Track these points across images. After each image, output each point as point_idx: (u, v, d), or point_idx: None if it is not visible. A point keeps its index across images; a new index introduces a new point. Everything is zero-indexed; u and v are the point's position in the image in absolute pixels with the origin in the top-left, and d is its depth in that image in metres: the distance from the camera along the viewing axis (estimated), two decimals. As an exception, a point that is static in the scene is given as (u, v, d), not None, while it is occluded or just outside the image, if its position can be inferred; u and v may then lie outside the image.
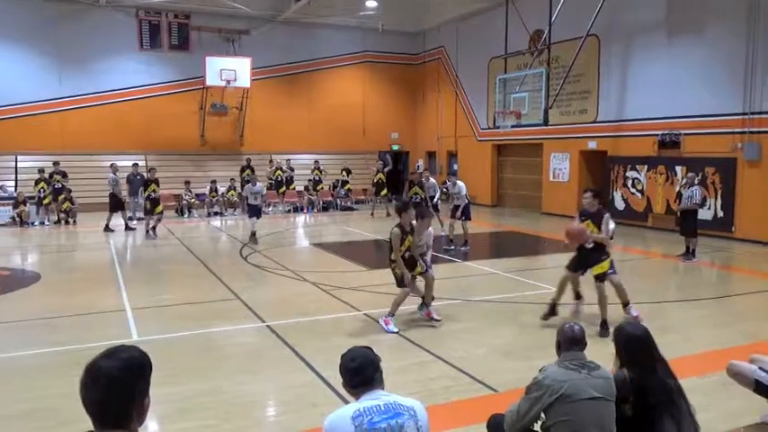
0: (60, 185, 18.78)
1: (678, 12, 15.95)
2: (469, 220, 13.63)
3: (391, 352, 6.34)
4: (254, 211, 14.84)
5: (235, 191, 21.71)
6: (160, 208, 15.96)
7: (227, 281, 10.21)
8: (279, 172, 22.42)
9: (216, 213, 21.00)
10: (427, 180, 14.78)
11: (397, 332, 7.23)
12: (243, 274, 10.97)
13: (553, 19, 17.17)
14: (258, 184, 15.11)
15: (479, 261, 11.97)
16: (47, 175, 18.88)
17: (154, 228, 15.72)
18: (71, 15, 22.02)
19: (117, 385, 1.99)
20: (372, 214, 20.40)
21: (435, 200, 14.79)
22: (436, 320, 7.59)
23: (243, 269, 11.51)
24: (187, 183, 21.09)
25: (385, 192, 21.25)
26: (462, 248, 13.26)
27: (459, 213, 13.46)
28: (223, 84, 22.50)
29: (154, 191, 15.88)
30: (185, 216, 20.63)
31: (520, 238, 15.79)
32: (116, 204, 16.99)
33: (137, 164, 19.63)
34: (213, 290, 9.72)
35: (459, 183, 13.61)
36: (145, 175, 20.42)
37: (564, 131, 19.69)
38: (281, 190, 22.38)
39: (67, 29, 21.99)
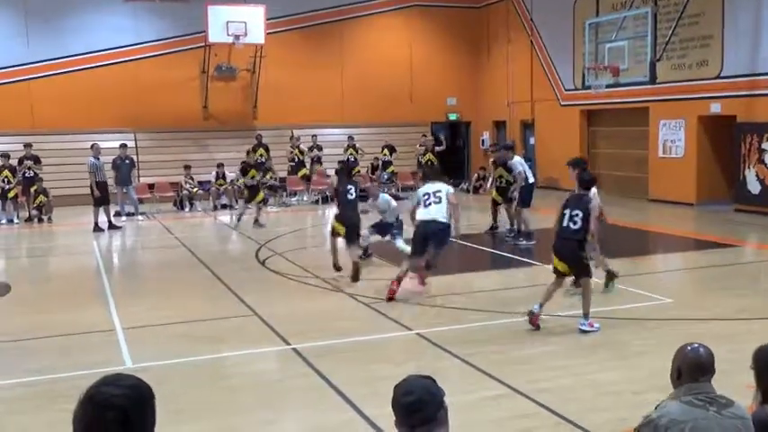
0: (32, 173, 19.34)
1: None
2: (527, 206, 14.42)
3: (454, 383, 6.35)
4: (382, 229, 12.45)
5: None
6: (261, 195, 17.88)
7: (241, 292, 10.36)
8: (296, 152, 22.53)
9: (224, 206, 21.32)
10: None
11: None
12: (260, 284, 11.12)
13: (661, -58, 16.85)
14: (383, 195, 12.72)
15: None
16: (13, 162, 19.46)
17: (257, 219, 17.26)
18: (40, -41, 22.61)
19: (126, 418, 2.07)
20: None
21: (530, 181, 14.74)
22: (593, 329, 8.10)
23: (260, 277, 11.68)
24: (187, 168, 21.48)
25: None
26: (523, 242, 13.98)
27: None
28: (230, 40, 22.73)
29: (253, 177, 17.95)
30: (186, 210, 21.02)
31: (620, 233, 15.54)
32: (101, 197, 17.28)
33: (125, 144, 20.09)
34: (223, 303, 9.88)
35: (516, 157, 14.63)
36: (134, 158, 21.01)
37: (677, 91, 19.27)
38: (302, 173, 22.45)
39: (36, -24, 22.61)
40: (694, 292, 10.51)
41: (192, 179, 21.46)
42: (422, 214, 9.65)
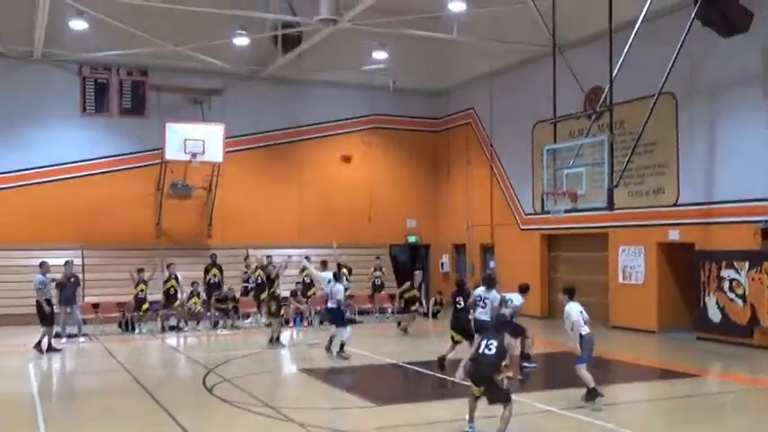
0: (-29, 292, 18.88)
1: (777, 62, 16.35)
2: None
3: None
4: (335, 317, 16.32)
5: (198, 297, 21.67)
6: (283, 311, 19.23)
7: (185, 421, 10.01)
8: (260, 272, 22.33)
9: (172, 328, 20.88)
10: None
11: None
12: (206, 412, 10.82)
13: (615, 73, 17.57)
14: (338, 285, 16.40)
15: (525, 394, 11.75)
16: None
17: (278, 337, 18.00)
18: (-4, 72, 22.91)
19: None
20: (406, 329, 20.21)
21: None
22: None
23: (206, 404, 11.35)
24: (140, 271, 21.04)
25: (416, 307, 21.50)
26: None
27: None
28: (187, 158, 22.96)
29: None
30: (133, 332, 20.53)
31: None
32: (46, 316, 16.85)
33: (70, 261, 19.74)
34: (165, 434, 9.52)
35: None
36: (79, 276, 20.61)
37: (635, 217, 19.75)
38: (262, 296, 22.14)
39: (-9, 89, 22.80)
40: (657, 424, 10.40)
41: (146, 283, 20.66)
42: (478, 314, 13.31)
